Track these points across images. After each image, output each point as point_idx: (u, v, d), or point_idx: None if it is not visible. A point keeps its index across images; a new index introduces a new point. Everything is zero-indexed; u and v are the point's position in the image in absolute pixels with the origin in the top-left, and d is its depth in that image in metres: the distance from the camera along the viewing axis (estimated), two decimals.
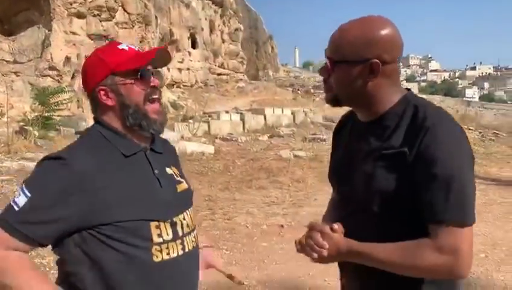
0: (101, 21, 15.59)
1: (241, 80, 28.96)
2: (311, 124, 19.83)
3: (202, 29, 25.15)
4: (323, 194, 7.12)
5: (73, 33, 14.84)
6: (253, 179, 7.69)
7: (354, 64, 1.12)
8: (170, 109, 19.38)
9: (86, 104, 15.20)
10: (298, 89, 30.04)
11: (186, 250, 1.25)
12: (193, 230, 1.32)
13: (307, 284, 3.73)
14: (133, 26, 17.05)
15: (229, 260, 4.15)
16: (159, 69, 1.23)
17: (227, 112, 17.61)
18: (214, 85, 25.32)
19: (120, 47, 1.25)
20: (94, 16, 15.44)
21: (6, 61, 14.23)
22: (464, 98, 49.78)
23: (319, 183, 7.85)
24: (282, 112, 19.81)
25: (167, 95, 20.58)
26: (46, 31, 14.57)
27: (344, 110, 1.43)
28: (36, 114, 9.83)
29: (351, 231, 1.15)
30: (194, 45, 24.36)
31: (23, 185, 1.11)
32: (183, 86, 22.90)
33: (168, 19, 20.86)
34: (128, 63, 1.20)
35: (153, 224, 1.17)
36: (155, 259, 1.17)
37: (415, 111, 1.12)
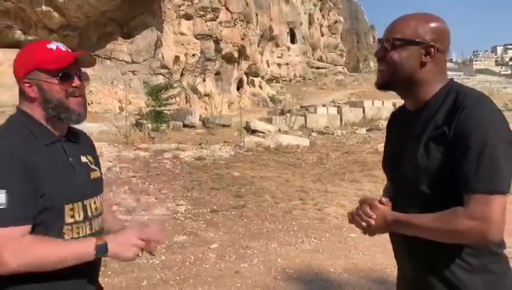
0: (206, 21, 16.63)
1: (340, 72, 28.61)
2: None
3: (301, 23, 25.37)
4: None
5: (182, 34, 16.07)
6: (346, 171, 7.71)
7: (412, 44, 1.27)
8: (269, 103, 19.97)
9: (194, 99, 16.42)
10: None
11: (94, 231, 1.34)
12: (100, 214, 1.40)
13: (393, 275, 3.75)
14: (235, 25, 17.88)
15: (316, 247, 4.32)
16: (85, 70, 1.38)
17: (324, 105, 17.62)
18: (312, 79, 25.41)
19: (48, 46, 1.31)
20: (200, 16, 16.52)
21: (126, 61, 15.95)
22: None
23: None
24: (383, 104, 19.17)
25: (266, 90, 21.23)
26: (158, 32, 15.99)
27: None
28: (149, 109, 10.92)
29: (399, 211, 1.28)
30: (293, 40, 24.69)
31: None
32: (282, 80, 23.39)
33: (268, 16, 21.44)
34: (51, 63, 1.28)
35: (67, 206, 1.26)
36: (66, 237, 1.26)
37: (456, 95, 1.23)
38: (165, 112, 11.41)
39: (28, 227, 1.18)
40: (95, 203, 1.36)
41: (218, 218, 5.11)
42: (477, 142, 1.12)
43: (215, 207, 5.46)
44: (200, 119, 12.46)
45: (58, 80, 1.28)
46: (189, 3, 15.74)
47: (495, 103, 1.21)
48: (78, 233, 1.29)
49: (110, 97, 14.48)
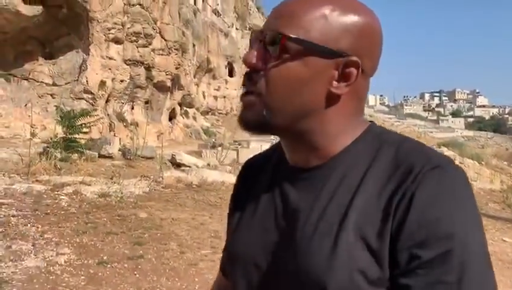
0: (137, 47, 15.84)
1: None
2: None
3: (240, 57, 25.35)
4: None
5: (110, 58, 15.13)
6: None
7: (318, 54, 0.63)
8: (203, 135, 19.28)
9: (119, 127, 15.33)
10: None
11: None
12: None
13: None
14: (170, 54, 17.23)
15: None
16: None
17: (258, 140, 17.25)
18: None
19: None
20: (131, 42, 15.72)
21: (46, 83, 14.64)
22: None
23: None
24: None
25: (201, 122, 20.57)
26: (84, 55, 14.93)
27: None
28: (61, 136, 9.79)
29: None
30: (231, 73, 24.46)
31: None
32: (218, 113, 22.90)
33: (205, 47, 21.07)
34: None
35: None
36: None
37: (395, 152, 0.64)
38: (80, 140, 10.29)
39: None
40: None
41: (105, 272, 4.21)
42: (455, 245, 0.57)
43: (105, 257, 4.55)
44: (120, 150, 11.43)
45: None
46: (120, 27, 14.94)
47: (455, 163, 0.63)
48: None
49: (21, 121, 13.11)
